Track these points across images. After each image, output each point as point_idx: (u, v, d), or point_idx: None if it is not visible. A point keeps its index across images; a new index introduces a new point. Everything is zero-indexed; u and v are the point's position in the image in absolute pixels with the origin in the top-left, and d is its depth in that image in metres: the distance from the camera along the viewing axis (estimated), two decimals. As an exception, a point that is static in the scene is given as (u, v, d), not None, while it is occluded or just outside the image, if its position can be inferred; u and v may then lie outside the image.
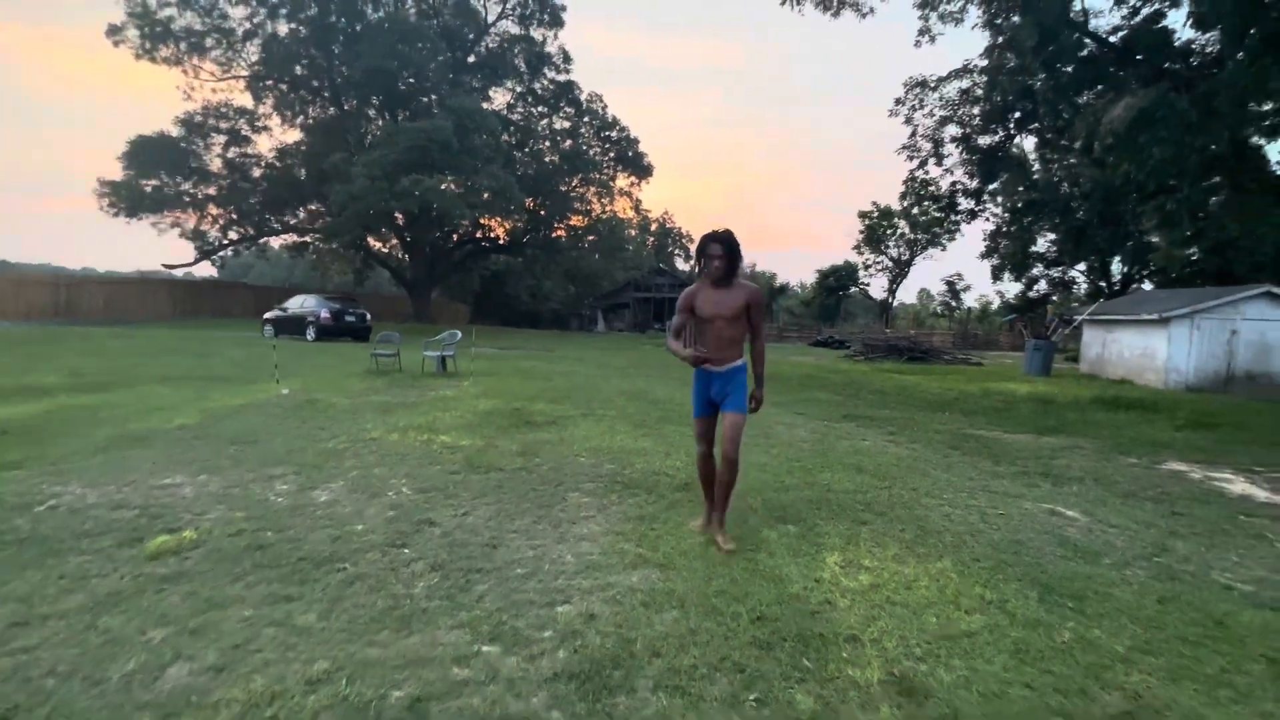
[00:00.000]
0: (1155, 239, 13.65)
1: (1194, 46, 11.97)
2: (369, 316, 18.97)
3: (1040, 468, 5.45)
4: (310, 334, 17.27)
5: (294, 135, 30.04)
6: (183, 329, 20.34)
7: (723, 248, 3.16)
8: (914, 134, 21.02)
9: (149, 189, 25.51)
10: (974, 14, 15.66)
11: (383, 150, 23.04)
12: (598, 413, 7.08)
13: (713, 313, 3.20)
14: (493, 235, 34.56)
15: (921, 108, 20.28)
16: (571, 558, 3.05)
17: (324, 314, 17.51)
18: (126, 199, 24.98)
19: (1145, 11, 12.94)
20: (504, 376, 10.34)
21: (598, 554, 3.10)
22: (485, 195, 25.70)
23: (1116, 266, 28.06)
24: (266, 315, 18.89)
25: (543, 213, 32.87)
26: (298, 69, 28.48)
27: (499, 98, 33.70)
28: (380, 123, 29.68)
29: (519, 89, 33.91)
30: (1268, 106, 8.54)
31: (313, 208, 29.31)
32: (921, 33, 17.89)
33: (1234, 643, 2.44)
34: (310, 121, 29.78)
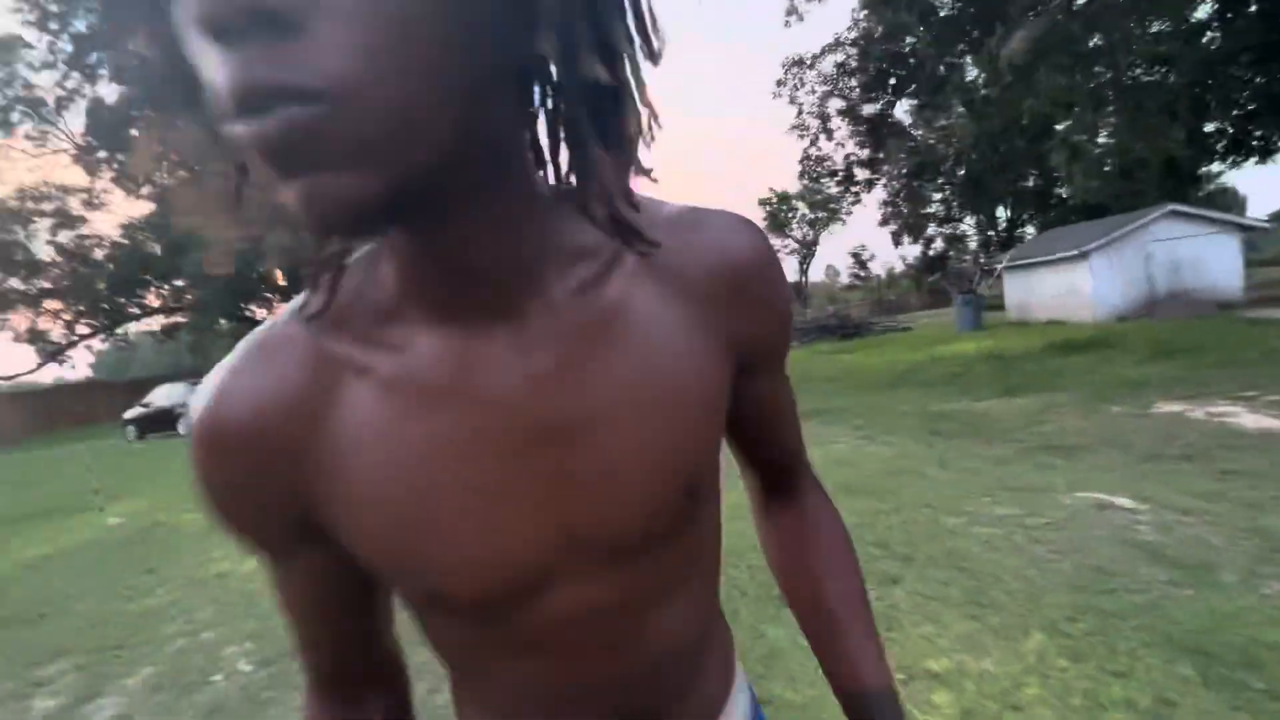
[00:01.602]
0: (1058, 175, 14.03)
1: None
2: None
3: (1037, 439, 4.73)
4: (183, 429, 14.90)
5: (142, 206, 26.83)
6: (29, 449, 17.23)
7: None
8: (800, 112, 21.16)
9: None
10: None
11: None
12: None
13: None
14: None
15: (803, 86, 20.40)
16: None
17: (196, 403, 15.18)
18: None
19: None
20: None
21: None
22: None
23: (1002, 213, 29.51)
24: (127, 414, 16.28)
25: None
26: (135, 133, 25.38)
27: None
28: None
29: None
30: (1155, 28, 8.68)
31: (178, 283, 26.16)
32: (789, 12, 17.84)
33: None
34: (156, 189, 26.63)
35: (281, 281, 26.29)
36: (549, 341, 0.38)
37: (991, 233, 32.19)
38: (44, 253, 23.59)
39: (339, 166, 0.26)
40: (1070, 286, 11.65)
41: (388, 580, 0.42)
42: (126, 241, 25.54)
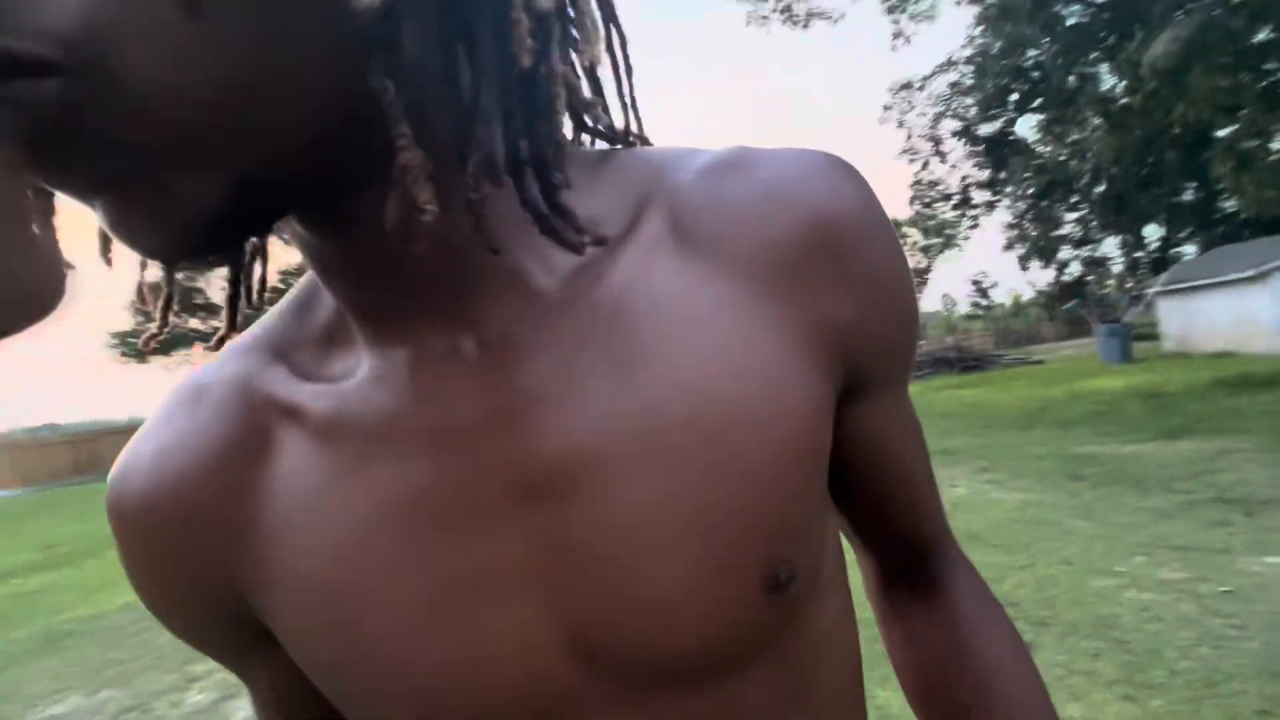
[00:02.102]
0: (1224, 187, 12.31)
1: None
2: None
3: (1208, 491, 4.05)
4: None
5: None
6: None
7: None
8: (909, 136, 20.29)
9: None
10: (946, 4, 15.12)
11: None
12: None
13: None
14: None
15: (911, 109, 19.61)
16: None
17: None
18: (134, 346, 25.29)
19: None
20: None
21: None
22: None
23: (1153, 232, 26.37)
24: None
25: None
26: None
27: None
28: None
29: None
30: None
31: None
32: (895, 35, 17.34)
33: None
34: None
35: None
36: (531, 353, 0.27)
37: (1140, 254, 28.80)
38: (217, 296, 27.42)
39: (145, 193, 0.19)
40: (1244, 313, 10.08)
41: (330, 701, 0.30)
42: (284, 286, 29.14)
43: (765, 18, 15.49)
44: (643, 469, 0.26)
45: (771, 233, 0.28)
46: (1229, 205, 16.19)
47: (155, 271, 0.28)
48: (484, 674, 0.26)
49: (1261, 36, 7.27)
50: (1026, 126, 20.61)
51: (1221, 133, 9.96)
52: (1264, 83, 7.36)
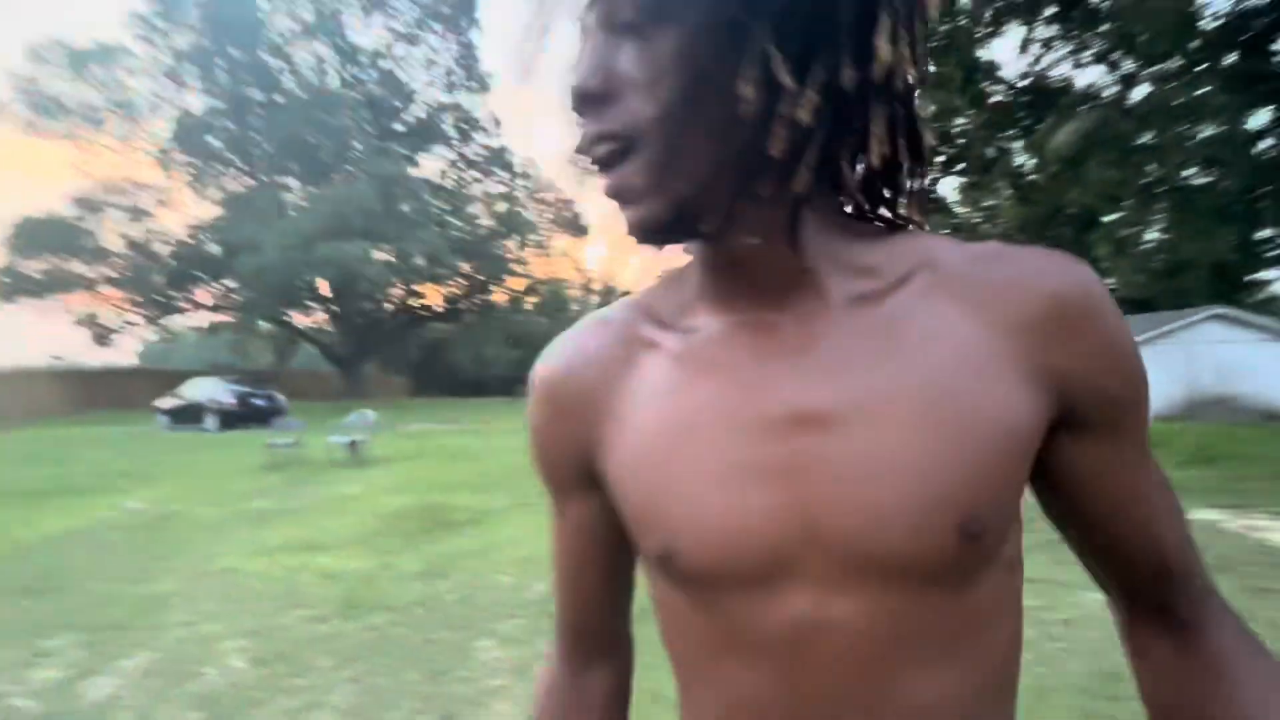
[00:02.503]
0: (1105, 266, 13.90)
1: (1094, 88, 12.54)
2: (282, 399, 16.99)
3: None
4: (211, 423, 15.17)
5: (211, 210, 28.35)
6: (67, 426, 17.84)
7: None
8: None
9: (36, 273, 23.10)
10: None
11: (299, 219, 21.69)
12: (532, 502, 5.85)
13: None
14: (426, 303, 33.17)
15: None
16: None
17: (226, 400, 15.45)
18: (8, 284, 22.48)
19: (1046, 59, 13.44)
20: (427, 460, 8.94)
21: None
22: (416, 260, 24.50)
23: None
24: (160, 404, 16.66)
25: (480, 276, 31.86)
26: (210, 140, 27.08)
27: (430, 164, 33.03)
28: (298, 193, 28.37)
29: (451, 155, 33.43)
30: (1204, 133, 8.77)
31: (227, 284, 27.34)
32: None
33: None
34: (226, 195, 28.18)
35: (326, 292, 27.31)
36: (821, 338, 0.40)
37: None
38: (111, 242, 24.93)
39: (638, 202, 0.38)
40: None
41: (635, 533, 0.44)
42: (190, 240, 26.88)
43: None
44: (887, 423, 0.37)
45: (1019, 300, 0.38)
46: (1109, 283, 18.28)
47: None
48: (741, 531, 0.38)
49: (1144, 140, 8.36)
50: (949, 186, 22.32)
51: (1107, 219, 11.24)
52: (1143, 180, 8.45)
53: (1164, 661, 0.43)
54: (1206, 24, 7.45)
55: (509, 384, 42.91)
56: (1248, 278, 14.36)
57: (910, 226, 0.44)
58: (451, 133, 32.81)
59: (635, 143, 0.37)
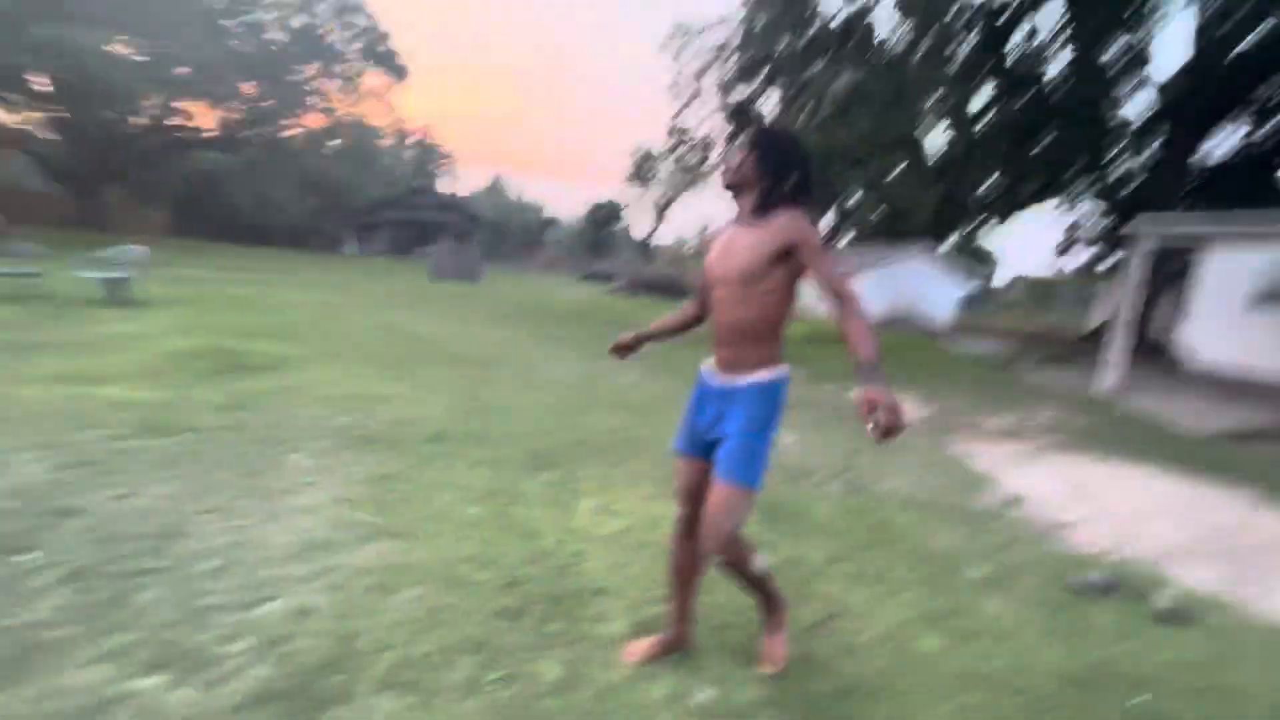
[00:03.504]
0: (854, 200, 16.64)
1: (884, 45, 14.46)
2: (-4, 218, 13.62)
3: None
4: None
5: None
6: None
7: (753, 147, 1.79)
8: (678, 76, 22.00)
9: None
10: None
11: (0, -18, 16.25)
12: (336, 352, 6.13)
13: (719, 271, 1.82)
14: (195, 124, 27.47)
15: (685, 51, 21.17)
16: (285, 538, 2.53)
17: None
18: None
19: (860, 3, 14.99)
20: (212, 307, 8.38)
21: (321, 530, 2.63)
22: (180, 69, 20.05)
23: (828, 220, 33.65)
24: None
25: (268, 102, 27.05)
26: None
27: (197, -59, 26.05)
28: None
29: (228, -65, 26.61)
30: (933, 101, 10.82)
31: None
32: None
33: (892, 543, 3.03)
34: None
35: (47, 87, 21.22)
36: (747, 230, 1.79)
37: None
38: None
39: (741, 193, 1.83)
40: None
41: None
42: None
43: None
44: (744, 248, 1.78)
45: (777, 227, 1.74)
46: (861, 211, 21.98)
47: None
48: (718, 270, 1.84)
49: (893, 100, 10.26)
50: (772, 103, 24.02)
51: (866, 161, 13.59)
52: (893, 134, 10.46)
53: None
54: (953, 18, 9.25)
55: (301, 235, 37.98)
56: (958, 226, 18.45)
57: (783, 208, 1.74)
58: (228, -96, 25.95)
59: (742, 187, 1.81)
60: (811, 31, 14.31)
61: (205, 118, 27.38)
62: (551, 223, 57.66)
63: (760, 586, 1.90)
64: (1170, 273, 11.09)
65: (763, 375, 1.74)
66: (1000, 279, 45.36)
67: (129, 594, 2.08)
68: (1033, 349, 12.32)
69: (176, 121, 26.56)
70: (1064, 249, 20.46)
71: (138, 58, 19.54)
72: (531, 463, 3.64)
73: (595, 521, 2.95)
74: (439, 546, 2.57)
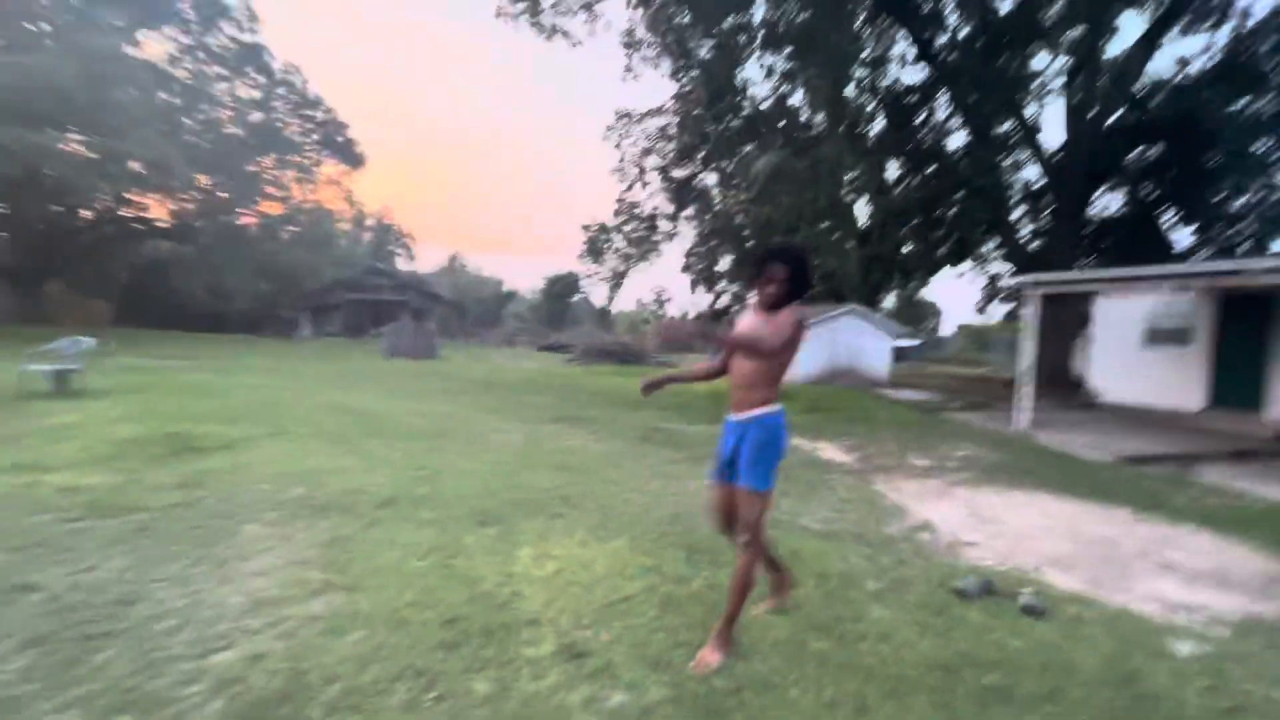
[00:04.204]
0: None
1: (810, 124, 16.10)
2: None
3: (707, 452, 6.64)
4: None
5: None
6: None
7: (785, 268, 2.44)
8: (623, 159, 23.45)
9: None
10: (665, 65, 18.23)
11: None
12: (289, 431, 6.28)
13: None
14: (146, 216, 27.56)
15: (628, 137, 22.72)
16: (239, 598, 2.74)
17: None
18: None
19: (781, 90, 16.70)
20: (161, 394, 8.40)
21: (274, 588, 2.84)
22: (133, 165, 20.40)
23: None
24: None
25: (224, 195, 27.48)
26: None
27: (154, 46, 27.08)
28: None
29: (186, 40, 27.77)
30: (850, 176, 12.05)
31: None
32: (627, 69, 19.97)
33: (800, 567, 3.39)
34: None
35: (-12, 185, 21.17)
36: (765, 321, 2.43)
37: (766, 298, 38.32)
38: None
39: (769, 310, 2.43)
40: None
41: None
42: None
43: (514, 17, 16.29)
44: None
45: (785, 322, 2.43)
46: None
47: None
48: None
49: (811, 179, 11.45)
50: (710, 180, 25.70)
51: (801, 231, 14.78)
52: (811, 207, 11.57)
53: None
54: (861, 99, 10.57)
55: (255, 320, 37.50)
56: (885, 285, 19.89)
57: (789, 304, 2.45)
58: (189, 13, 27.26)
59: (777, 300, 2.40)
60: (742, 116, 15.81)
61: (158, 208, 27.56)
62: (511, 296, 58.53)
63: (771, 565, 2.87)
64: (1082, 317, 12.24)
65: (762, 412, 2.47)
66: (946, 328, 48.02)
67: (89, 654, 2.26)
68: (962, 395, 13.19)
69: (128, 212, 26.64)
70: (983, 305, 22.21)
71: (92, 155, 19.83)
72: (476, 520, 3.90)
73: (532, 566, 3.23)
74: (385, 595, 2.81)
